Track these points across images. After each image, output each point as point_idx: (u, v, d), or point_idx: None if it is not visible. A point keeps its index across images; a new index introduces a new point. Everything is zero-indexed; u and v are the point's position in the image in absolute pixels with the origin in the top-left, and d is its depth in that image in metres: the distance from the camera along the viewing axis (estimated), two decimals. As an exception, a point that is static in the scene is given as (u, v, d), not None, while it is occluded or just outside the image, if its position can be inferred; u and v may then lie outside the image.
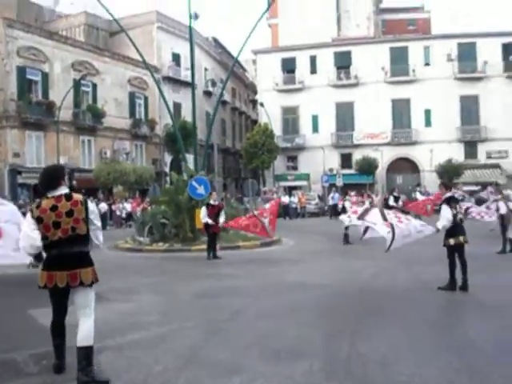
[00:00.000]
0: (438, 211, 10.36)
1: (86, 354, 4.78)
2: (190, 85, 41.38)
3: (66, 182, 5.02)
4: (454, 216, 9.15)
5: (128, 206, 32.00)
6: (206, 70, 47.98)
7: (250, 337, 6.40)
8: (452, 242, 9.14)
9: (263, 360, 5.51)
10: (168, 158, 42.38)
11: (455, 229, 9.13)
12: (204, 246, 15.09)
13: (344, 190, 33.38)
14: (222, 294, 9.20)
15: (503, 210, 14.39)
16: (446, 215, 9.14)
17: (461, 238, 9.15)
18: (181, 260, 14.77)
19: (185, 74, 43.33)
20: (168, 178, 41.28)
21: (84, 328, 4.83)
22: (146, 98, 40.87)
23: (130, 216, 31.13)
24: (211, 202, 14.73)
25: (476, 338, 6.24)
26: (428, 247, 14.89)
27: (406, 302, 8.44)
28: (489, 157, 44.05)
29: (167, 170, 41.79)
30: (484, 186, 37.39)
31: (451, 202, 9.31)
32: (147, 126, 40.45)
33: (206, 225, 14.43)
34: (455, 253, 9.21)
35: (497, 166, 43.31)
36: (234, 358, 5.60)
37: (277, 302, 8.44)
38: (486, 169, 42.98)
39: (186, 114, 41.07)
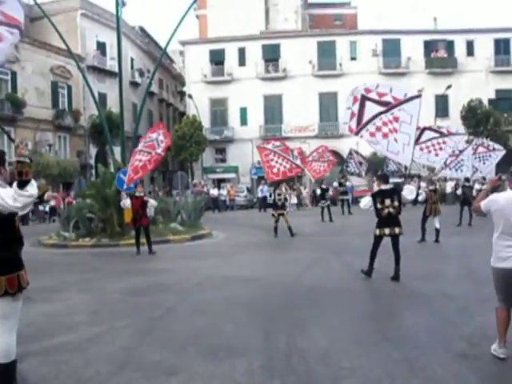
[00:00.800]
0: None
1: (5, 371, 4.13)
2: (116, 75, 40.36)
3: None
4: (380, 210, 9.34)
5: (51, 200, 30.65)
6: (132, 59, 46.79)
7: (186, 335, 6.17)
8: (377, 232, 9.39)
9: (201, 359, 5.30)
10: (93, 151, 41.04)
11: (381, 221, 9.38)
12: (132, 241, 14.63)
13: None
14: (154, 290, 8.89)
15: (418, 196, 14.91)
16: (366, 200, 9.63)
17: (385, 230, 9.32)
18: (109, 255, 14.27)
19: (110, 64, 42.05)
20: (93, 171, 40.00)
21: (2, 341, 4.11)
22: (69, 88, 39.27)
23: (53, 210, 29.90)
24: (136, 194, 14.25)
25: (412, 329, 6.30)
26: (356, 238, 15.21)
27: (341, 293, 8.44)
28: (412, 150, 45.47)
29: (92, 162, 40.47)
30: (406, 177, 38.62)
31: (376, 195, 9.53)
32: (71, 116, 38.90)
33: (134, 219, 13.96)
34: (379, 243, 9.41)
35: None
36: (170, 358, 5.36)
37: (211, 297, 8.24)
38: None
39: (112, 105, 39.85)
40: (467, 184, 22.58)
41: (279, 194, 17.64)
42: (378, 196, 9.52)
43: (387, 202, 9.38)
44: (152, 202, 14.33)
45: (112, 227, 16.44)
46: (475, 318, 6.74)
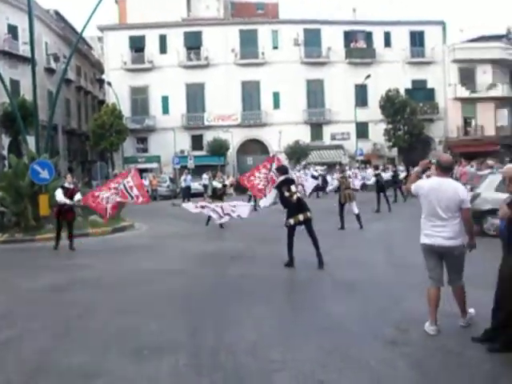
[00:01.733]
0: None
1: None
2: (29, 60, 38.43)
3: None
4: (288, 197, 9.35)
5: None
6: (46, 45, 44.64)
7: (107, 335, 5.81)
8: (292, 221, 9.34)
9: (124, 360, 4.99)
10: (6, 140, 38.91)
11: (292, 209, 9.35)
12: (51, 235, 13.88)
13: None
14: (73, 287, 8.39)
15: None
16: (269, 196, 9.71)
17: (299, 217, 9.31)
18: (24, 251, 13.39)
19: (23, 49, 39.75)
20: (6, 162, 37.98)
21: None
22: (-23, 74, 36.99)
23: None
24: (66, 184, 13.37)
25: (341, 318, 6.23)
26: (279, 227, 15.17)
27: (269, 283, 8.30)
28: (333, 138, 46.38)
29: (5, 153, 38.39)
30: (329, 166, 39.45)
31: (283, 184, 9.55)
32: (-20, 104, 36.68)
33: (58, 212, 13.17)
34: (293, 232, 9.41)
35: (340, 147, 45.78)
36: (91, 360, 5.00)
37: (134, 293, 7.86)
38: (330, 150, 45.21)
39: (26, 92, 37.87)
40: (377, 172, 23.27)
41: (219, 184, 17.32)
42: (284, 185, 9.56)
43: (293, 188, 9.52)
44: (78, 197, 13.33)
45: (26, 221, 15.48)
46: (402, 304, 6.79)
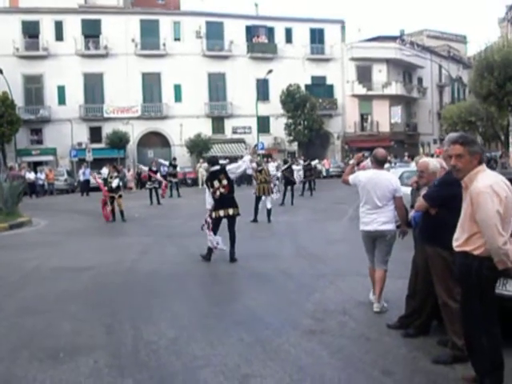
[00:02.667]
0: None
1: None
2: None
3: None
4: (212, 193, 9.34)
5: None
6: None
7: (16, 338, 5.46)
8: (213, 215, 9.34)
9: (38, 364, 4.71)
10: None
11: (216, 203, 9.35)
12: None
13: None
14: (-29, 287, 7.82)
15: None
16: (207, 196, 9.48)
17: (220, 212, 9.33)
18: None
19: None
20: None
21: None
22: None
23: None
24: None
25: (258, 310, 6.29)
26: (188, 220, 15.08)
27: (181, 277, 8.20)
28: (234, 132, 46.61)
29: None
30: (231, 159, 39.59)
31: (207, 179, 9.59)
32: None
33: None
34: (216, 225, 9.40)
35: (242, 141, 46.10)
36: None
37: (40, 292, 7.44)
38: (232, 143, 45.41)
39: None
40: (285, 167, 23.67)
41: (111, 177, 16.77)
42: (209, 180, 9.55)
43: (216, 183, 9.38)
44: None
45: None
46: (314, 294, 6.95)
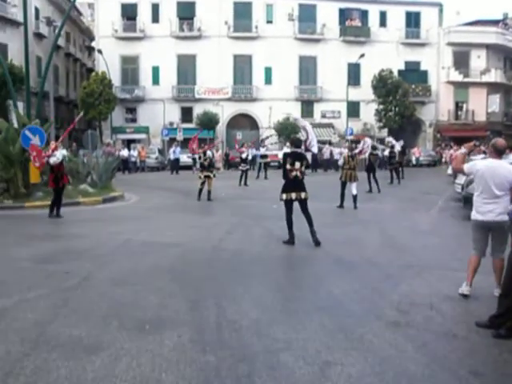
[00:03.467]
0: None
1: None
2: (18, 24, 37.56)
3: None
4: (288, 171, 9.31)
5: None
6: (37, 9, 43.62)
7: (106, 307, 5.70)
8: (284, 197, 9.36)
9: (125, 333, 4.89)
10: (-8, 105, 38.19)
11: (288, 185, 9.34)
12: (40, 203, 13.67)
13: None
14: (67, 257, 8.24)
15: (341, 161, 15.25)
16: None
17: (292, 195, 9.31)
18: (14, 218, 13.20)
19: (12, 12, 38.95)
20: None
21: None
22: (-36, 35, 36.07)
23: None
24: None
25: (342, 297, 6.19)
26: (274, 203, 15.12)
27: (266, 259, 8.24)
28: (323, 116, 46.19)
29: (-9, 118, 37.73)
30: (320, 143, 39.30)
31: (287, 156, 9.51)
32: (-34, 67, 35.78)
33: (56, 179, 12.87)
34: (290, 207, 9.38)
35: (330, 126, 45.62)
36: (91, 333, 4.90)
37: (129, 265, 7.74)
38: (320, 128, 45.01)
39: (13, 57, 37.13)
40: (374, 152, 23.08)
41: (206, 156, 17.10)
42: (290, 157, 9.48)
43: (297, 164, 9.38)
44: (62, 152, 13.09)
45: (16, 188, 15.21)
46: (401, 286, 6.75)
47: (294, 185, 9.35)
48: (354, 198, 14.78)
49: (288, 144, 35.22)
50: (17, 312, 5.49)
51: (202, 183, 16.64)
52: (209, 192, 16.68)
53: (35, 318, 5.26)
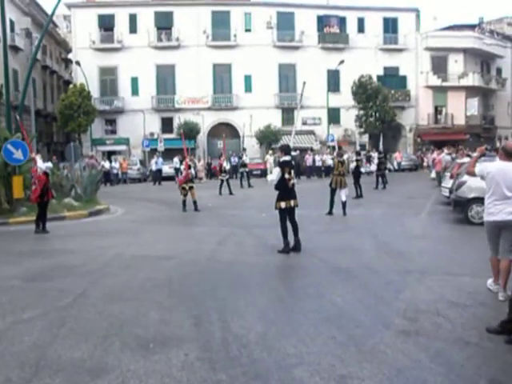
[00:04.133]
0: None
1: None
2: (-6, 37, 36.89)
3: None
4: (287, 180, 9.24)
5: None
6: (12, 22, 43.06)
7: (106, 325, 5.48)
8: (283, 205, 9.27)
9: (130, 353, 4.68)
10: (-31, 120, 37.55)
11: (287, 193, 9.29)
12: (25, 219, 13.35)
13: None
14: (58, 274, 7.96)
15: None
16: (274, 174, 9.42)
17: (291, 202, 9.32)
18: (-2, 235, 12.87)
19: (-14, 25, 38.38)
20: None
21: None
22: None
23: None
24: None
25: (346, 307, 6.06)
26: (262, 211, 14.99)
27: (263, 269, 8.09)
28: (304, 123, 46.17)
29: (-32, 132, 37.07)
30: (301, 150, 39.39)
31: (285, 165, 9.37)
32: None
33: (42, 193, 12.57)
34: (286, 216, 9.35)
35: (311, 133, 45.66)
36: (93, 354, 4.68)
37: (124, 280, 7.52)
38: (301, 135, 45.00)
39: (-11, 71, 36.57)
40: (359, 157, 23.17)
41: (189, 168, 16.98)
42: (287, 166, 9.40)
43: (292, 172, 9.46)
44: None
45: (-1, 204, 14.88)
46: (403, 292, 6.66)
47: (291, 192, 9.33)
48: (344, 204, 14.69)
49: (271, 152, 35.28)
50: (13, 334, 5.24)
51: (185, 194, 16.48)
52: (194, 202, 16.48)
53: (33, 341, 5.02)
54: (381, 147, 27.67)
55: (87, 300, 6.47)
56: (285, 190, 9.26)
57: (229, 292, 6.74)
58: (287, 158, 9.48)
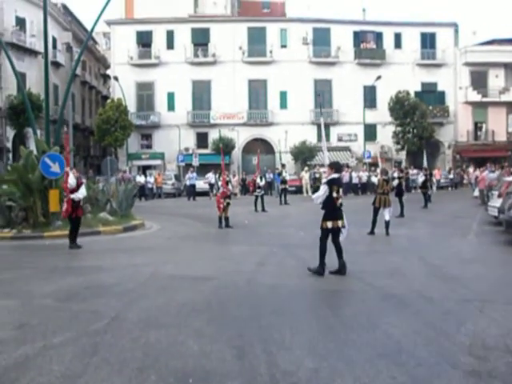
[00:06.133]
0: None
1: None
2: (36, 53, 37.60)
3: None
4: (335, 199, 8.74)
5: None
6: (54, 38, 43.83)
7: (141, 355, 5.02)
8: (330, 225, 8.75)
9: (168, 390, 4.22)
10: (10, 133, 38.12)
11: (334, 212, 8.79)
12: (60, 233, 13.13)
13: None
14: (92, 294, 7.58)
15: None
16: (321, 192, 8.88)
17: (339, 223, 8.79)
18: (33, 249, 12.60)
19: (30, 41, 39.10)
20: (10, 155, 37.20)
21: None
22: (-17, 66, 36.12)
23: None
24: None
25: (403, 340, 5.47)
26: (301, 229, 14.47)
27: (307, 294, 7.57)
28: (340, 139, 45.63)
29: (9, 145, 37.64)
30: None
31: (333, 183, 8.85)
32: (-14, 96, 35.80)
33: (73, 208, 12.32)
34: (329, 236, 8.84)
35: (347, 149, 45.03)
36: (129, 389, 4.24)
37: (160, 302, 7.07)
38: (337, 151, 44.43)
39: (32, 85, 37.17)
40: (401, 175, 22.47)
41: (227, 184, 16.69)
42: (335, 184, 8.86)
43: (341, 191, 8.94)
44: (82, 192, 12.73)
45: (35, 217, 14.67)
46: (465, 324, 6.04)
47: (338, 212, 8.82)
48: (387, 224, 14.07)
49: (306, 168, 34.77)
50: (41, 362, 4.83)
51: (223, 210, 16.13)
52: (226, 219, 16.12)
53: (62, 371, 4.60)
54: (425, 164, 26.97)
55: (121, 324, 6.04)
56: (333, 210, 8.74)
57: (273, 319, 6.23)
58: (336, 175, 8.96)
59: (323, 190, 8.83)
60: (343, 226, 8.88)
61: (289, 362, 4.84)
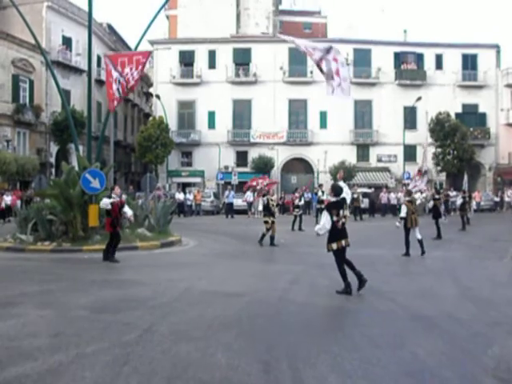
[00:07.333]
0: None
1: None
2: (81, 71, 38.93)
3: None
4: (335, 222, 8.90)
5: (8, 199, 29.17)
6: (99, 57, 45.25)
7: (170, 366, 5.20)
8: (334, 246, 8.96)
9: (193, 400, 4.38)
10: (54, 149, 39.37)
11: (336, 234, 8.94)
12: (98, 247, 13.51)
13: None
14: (126, 306, 7.83)
15: (403, 213, 14.22)
16: (324, 222, 9.01)
17: (342, 242, 8.97)
18: (71, 262, 13.04)
19: (75, 60, 40.53)
20: (53, 170, 38.33)
21: None
22: (31, 82, 37.49)
23: (9, 210, 28.34)
24: (113, 196, 12.78)
25: (429, 360, 5.50)
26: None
27: (336, 313, 7.66)
28: (379, 160, 45.37)
29: (53, 161, 38.82)
30: (376, 188, 38.62)
31: (332, 208, 9.02)
32: (32, 112, 37.07)
33: (113, 223, 12.68)
34: (341, 257, 9.02)
35: (386, 170, 44.73)
36: (156, 398, 4.41)
37: (192, 316, 7.27)
38: (376, 172, 44.18)
39: (76, 103, 38.40)
40: (437, 196, 22.16)
41: (272, 200, 16.92)
42: (334, 208, 9.03)
43: (341, 212, 9.02)
44: (130, 212, 13.13)
45: (75, 231, 15.17)
46: (493, 347, 6.01)
47: (342, 232, 8.98)
48: (421, 242, 14.03)
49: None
50: (75, 369, 5.06)
51: (268, 229, 16.29)
52: (272, 238, 16.30)
53: (94, 378, 4.82)
54: (465, 186, 26.67)
55: (153, 336, 6.24)
56: (334, 231, 8.90)
57: (300, 337, 6.33)
58: (334, 199, 9.13)
59: (324, 218, 8.97)
60: (347, 245, 9.02)
61: (313, 378, 4.94)
